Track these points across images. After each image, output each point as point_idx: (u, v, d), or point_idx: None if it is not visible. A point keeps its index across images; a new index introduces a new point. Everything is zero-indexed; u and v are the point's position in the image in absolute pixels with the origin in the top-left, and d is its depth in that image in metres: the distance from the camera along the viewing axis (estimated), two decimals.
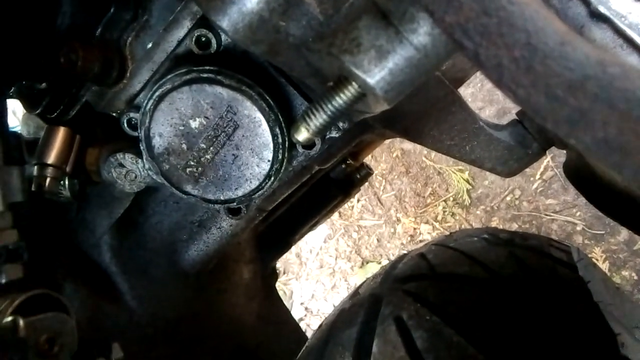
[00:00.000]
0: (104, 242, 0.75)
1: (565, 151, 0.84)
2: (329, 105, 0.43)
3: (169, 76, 0.54)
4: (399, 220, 2.22)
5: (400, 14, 0.37)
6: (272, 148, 0.56)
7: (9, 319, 0.38)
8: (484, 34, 0.28)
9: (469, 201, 2.14)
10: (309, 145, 0.60)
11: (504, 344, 0.55)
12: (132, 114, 0.59)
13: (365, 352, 0.57)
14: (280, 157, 0.57)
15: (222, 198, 0.60)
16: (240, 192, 0.59)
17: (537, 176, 2.04)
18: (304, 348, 0.77)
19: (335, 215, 2.38)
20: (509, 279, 0.64)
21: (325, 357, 0.64)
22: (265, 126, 0.55)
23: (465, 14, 0.29)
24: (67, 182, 0.61)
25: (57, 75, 0.57)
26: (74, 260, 0.73)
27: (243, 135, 0.56)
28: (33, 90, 0.59)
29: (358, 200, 2.36)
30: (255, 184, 0.58)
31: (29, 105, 0.60)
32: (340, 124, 0.61)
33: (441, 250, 0.75)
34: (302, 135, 0.46)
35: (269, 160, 0.57)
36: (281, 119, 0.55)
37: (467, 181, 2.14)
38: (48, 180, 0.56)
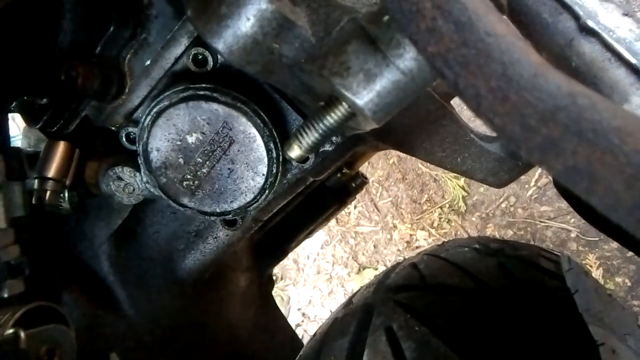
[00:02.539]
0: (102, 252, 0.77)
1: None
2: (321, 124, 0.45)
3: (166, 93, 0.55)
4: (395, 226, 2.24)
5: (388, 40, 0.39)
6: (266, 162, 0.57)
7: (11, 331, 0.40)
8: (463, 65, 0.30)
9: (465, 208, 2.16)
10: (302, 159, 0.61)
11: (490, 356, 0.57)
12: (130, 129, 0.61)
13: None
14: (274, 171, 0.58)
15: (218, 210, 0.62)
16: (235, 205, 0.61)
17: (532, 183, 2.06)
18: (298, 357, 0.78)
19: (332, 221, 2.39)
20: (497, 290, 0.66)
21: None
22: (259, 141, 0.56)
23: (446, 44, 0.31)
24: (66, 195, 0.62)
25: (57, 91, 0.59)
26: (73, 270, 0.75)
27: (238, 150, 0.57)
28: (34, 105, 0.60)
29: (355, 207, 2.37)
30: (250, 197, 0.60)
31: (29, 119, 0.62)
32: (334, 138, 0.62)
33: (432, 260, 0.76)
34: (295, 152, 0.47)
35: (263, 174, 0.58)
36: (275, 135, 0.57)
37: (463, 188, 2.16)
38: (48, 193, 0.58)
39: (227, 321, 0.99)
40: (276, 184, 0.60)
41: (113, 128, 0.63)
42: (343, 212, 2.37)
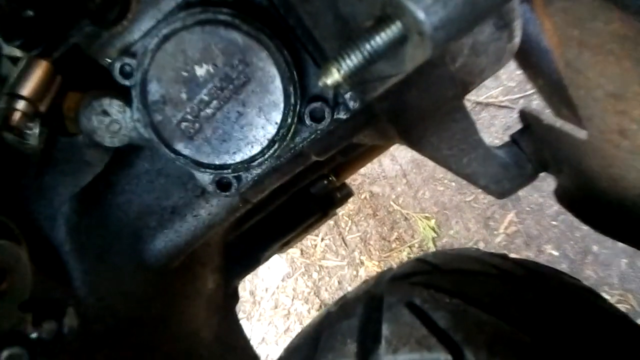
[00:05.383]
0: (61, 215, 0.66)
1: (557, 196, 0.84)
2: (367, 45, 0.40)
3: (180, 14, 0.49)
4: (362, 263, 2.16)
5: None
6: (282, 109, 0.51)
7: None
8: None
9: (434, 249, 2.13)
10: (318, 118, 0.55)
11: (541, 326, 0.50)
12: (127, 60, 0.53)
13: (372, 337, 0.50)
14: (289, 120, 0.52)
15: (216, 162, 0.54)
16: (238, 157, 0.53)
17: (501, 230, 2.07)
18: (284, 349, 0.68)
19: (297, 252, 2.29)
20: (522, 278, 0.60)
21: (322, 346, 0.56)
22: (278, 83, 0.50)
23: None
24: (37, 127, 0.52)
25: (49, 1, 0.51)
26: (22, 231, 0.63)
27: (252, 91, 0.51)
28: (16, 17, 0.52)
29: (322, 239, 2.29)
30: (257, 149, 0.53)
31: (7, 34, 0.53)
32: (351, 104, 0.57)
33: (442, 254, 0.70)
34: (333, 77, 0.42)
35: (276, 123, 0.52)
36: (296, 79, 0.51)
37: (433, 229, 2.14)
38: (18, 114, 0.48)
39: (188, 325, 0.87)
40: (286, 140, 0.54)
41: (104, 62, 0.55)
42: (309, 243, 2.27)
